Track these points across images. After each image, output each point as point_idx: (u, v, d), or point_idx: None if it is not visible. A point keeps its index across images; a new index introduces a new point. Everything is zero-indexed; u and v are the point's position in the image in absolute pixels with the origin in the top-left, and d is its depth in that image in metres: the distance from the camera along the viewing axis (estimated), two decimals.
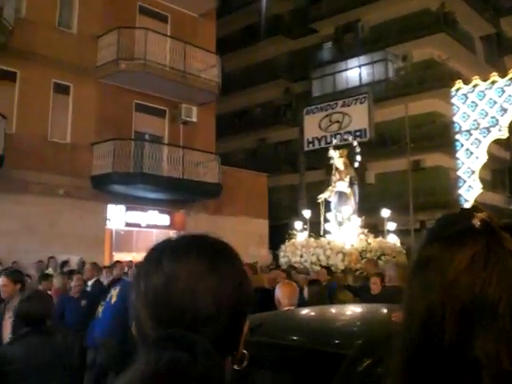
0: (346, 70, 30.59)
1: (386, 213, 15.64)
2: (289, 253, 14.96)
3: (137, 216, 19.09)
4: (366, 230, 15.25)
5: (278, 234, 24.58)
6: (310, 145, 23.04)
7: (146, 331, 1.04)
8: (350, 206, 15.08)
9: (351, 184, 15.52)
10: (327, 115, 22.70)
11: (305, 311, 4.28)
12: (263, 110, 32.76)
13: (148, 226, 19.27)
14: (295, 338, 2.92)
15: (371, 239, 14.59)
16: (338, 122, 22.27)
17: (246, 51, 32.82)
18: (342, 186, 15.36)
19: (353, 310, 4.40)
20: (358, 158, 15.94)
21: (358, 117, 21.57)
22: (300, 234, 15.30)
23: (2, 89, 16.81)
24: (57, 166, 17.16)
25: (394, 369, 0.97)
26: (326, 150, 24.52)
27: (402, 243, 15.56)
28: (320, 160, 27.19)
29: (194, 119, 20.92)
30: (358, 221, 15.06)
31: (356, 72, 30.03)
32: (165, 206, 19.60)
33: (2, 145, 15.32)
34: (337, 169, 15.71)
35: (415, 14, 28.37)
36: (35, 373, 3.96)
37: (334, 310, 4.50)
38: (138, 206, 19.02)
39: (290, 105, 31.58)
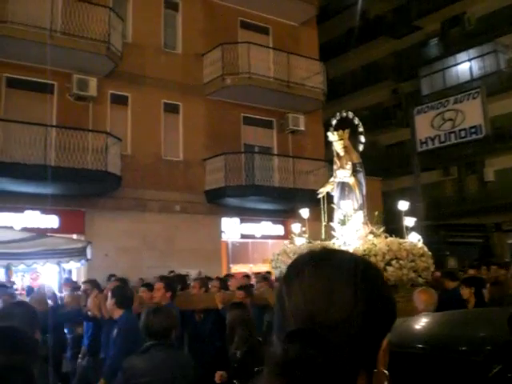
0: (455, 65, 29.43)
1: (402, 205, 12.58)
2: (281, 262, 11.81)
3: (251, 227, 19.26)
4: (378, 229, 12.00)
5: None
6: (424, 145, 22.33)
7: (288, 329, 1.09)
8: (354, 198, 11.93)
9: (355, 172, 12.18)
10: (439, 113, 21.94)
11: (433, 317, 4.13)
12: (372, 113, 32.09)
13: (263, 237, 19.38)
14: (421, 344, 2.86)
15: (379, 239, 11.29)
16: (451, 119, 21.45)
17: (349, 55, 32.41)
18: (343, 174, 12.09)
19: (478, 314, 4.20)
20: (362, 139, 12.93)
21: (472, 113, 20.65)
22: (298, 239, 12.12)
23: (115, 112, 17.60)
24: (172, 183, 17.71)
25: None
26: (441, 149, 23.86)
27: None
28: (435, 160, 26.41)
29: (302, 128, 20.89)
30: (358, 217, 11.81)
31: (466, 66, 28.80)
32: (278, 216, 19.63)
33: (119, 166, 16.00)
34: (337, 155, 12.53)
35: None
36: None
37: (460, 315, 4.29)
38: (252, 218, 19.18)
39: (399, 105, 30.80)
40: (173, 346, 4.36)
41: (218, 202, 18.26)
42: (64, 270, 11.89)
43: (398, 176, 28.49)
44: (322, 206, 11.89)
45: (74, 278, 14.15)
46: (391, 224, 23.03)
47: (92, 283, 9.41)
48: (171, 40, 19.41)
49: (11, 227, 13.22)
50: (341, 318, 1.07)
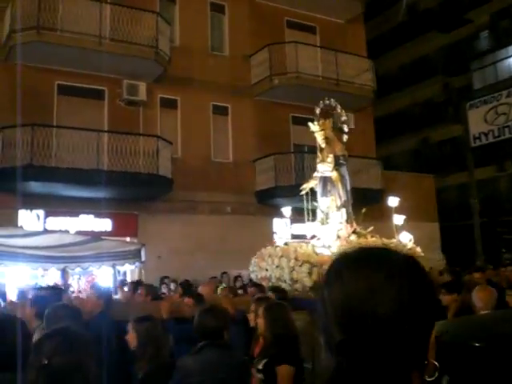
0: (507, 57, 28.68)
1: (393, 201, 11.67)
2: (255, 266, 10.77)
3: (302, 228, 19.06)
4: (363, 228, 11.02)
5: (452, 237, 23.52)
6: (477, 140, 21.89)
7: (332, 335, 1.11)
8: (337, 194, 10.77)
9: (338, 165, 10.90)
10: (492, 108, 21.49)
11: (493, 314, 4.05)
12: (423, 109, 31.56)
13: (313, 237, 19.17)
14: (481, 340, 2.89)
15: (359, 240, 10.07)
16: (505, 113, 21.01)
17: (398, 51, 32.01)
18: (323, 168, 10.85)
19: None
20: (345, 128, 11.76)
21: None
22: (280, 240, 11.06)
23: (165, 116, 17.78)
24: (222, 184, 17.74)
25: None
26: (496, 144, 23.26)
27: None
28: (489, 156, 25.76)
29: (352, 126, 20.62)
30: (340, 215, 10.65)
31: None
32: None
33: (169, 169, 16.12)
34: (320, 147, 11.25)
35: None
36: None
37: None
38: (303, 218, 19.01)
39: (451, 101, 30.19)
40: (225, 346, 4.29)
41: (268, 202, 18.19)
42: (119, 272, 12.00)
43: (453, 172, 27.91)
44: (305, 204, 11.10)
45: (129, 280, 14.29)
46: (447, 221, 22.58)
47: (148, 288, 9.56)
48: (218, 42, 19.50)
49: (67, 231, 13.43)
50: (387, 317, 1.06)
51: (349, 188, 10.90)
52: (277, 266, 9.74)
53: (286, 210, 11.46)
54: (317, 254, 9.52)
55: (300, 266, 9.27)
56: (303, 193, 10.98)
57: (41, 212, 15.22)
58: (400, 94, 31.23)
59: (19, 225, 14.27)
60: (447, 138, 29.97)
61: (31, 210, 15.05)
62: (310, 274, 9.09)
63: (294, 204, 18.29)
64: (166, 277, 14.21)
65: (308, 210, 10.99)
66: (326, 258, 9.33)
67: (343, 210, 10.68)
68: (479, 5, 29.42)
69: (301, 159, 18.29)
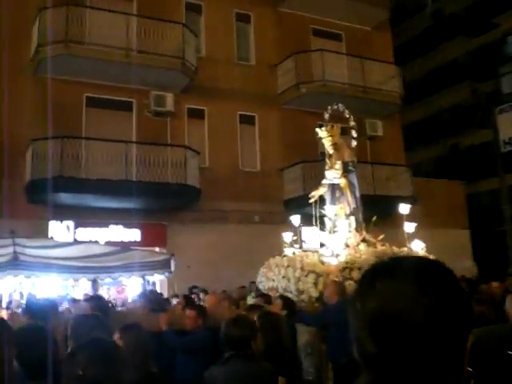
0: None
1: (404, 208, 11.33)
2: (264, 276, 10.45)
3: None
4: (372, 236, 10.51)
5: (483, 244, 23.15)
6: (507, 145, 21.47)
7: (366, 349, 1.09)
8: (346, 202, 10.46)
9: (347, 172, 10.63)
10: None
11: None
12: (451, 115, 31.23)
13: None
14: None
15: (369, 249, 9.59)
16: None
17: (425, 57, 31.75)
18: (332, 176, 10.59)
19: None
20: (354, 133, 11.56)
21: None
22: (288, 250, 10.58)
23: (192, 126, 17.84)
24: (250, 194, 17.70)
25: None
26: None
27: None
28: None
29: (380, 133, 20.50)
30: (346, 224, 10.21)
31: None
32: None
33: (197, 179, 16.14)
34: (329, 153, 11.07)
35: None
36: None
37: None
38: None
39: (479, 106, 29.77)
40: (252, 357, 4.22)
41: (297, 211, 18.05)
42: (148, 282, 12.01)
43: (483, 178, 27.50)
44: (314, 212, 10.70)
45: (158, 290, 14.30)
46: (478, 228, 22.21)
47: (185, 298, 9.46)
48: (244, 52, 19.54)
49: (96, 242, 13.51)
50: (423, 327, 1.05)
51: (358, 195, 10.54)
52: (283, 277, 9.44)
53: (295, 219, 11.15)
54: (323, 263, 9.22)
55: (306, 276, 8.95)
56: (312, 201, 10.73)
57: (71, 223, 15.33)
58: (428, 100, 30.94)
59: (49, 236, 14.39)
60: (477, 144, 29.56)
61: (61, 221, 15.17)
62: (315, 284, 8.75)
63: (323, 212, 18.26)
64: (195, 286, 14.18)
65: (316, 218, 10.74)
66: (333, 267, 9.09)
67: (352, 218, 10.36)
68: (506, 9, 29.04)
69: None
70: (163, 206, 16.12)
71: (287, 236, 10.55)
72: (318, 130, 11.07)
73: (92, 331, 3.82)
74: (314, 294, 8.74)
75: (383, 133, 20.56)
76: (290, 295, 8.69)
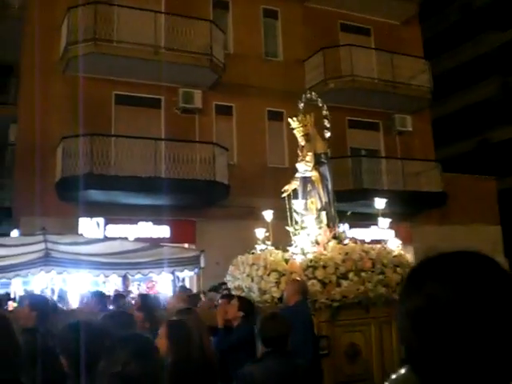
0: None
1: (379, 203, 10.59)
2: (231, 275, 9.91)
3: (362, 232, 18.80)
4: (345, 235, 9.79)
5: None
6: None
7: (414, 350, 1.06)
8: (317, 196, 9.62)
9: (318, 164, 9.82)
10: None
11: None
12: (482, 109, 30.79)
13: (373, 242, 18.85)
14: None
15: (333, 245, 8.75)
16: None
17: (455, 51, 31.33)
18: (303, 168, 9.85)
19: None
20: (327, 123, 10.59)
21: None
22: (260, 247, 9.63)
23: (221, 123, 17.84)
24: (278, 190, 17.55)
25: None
26: None
27: None
28: None
29: (410, 128, 20.27)
30: (314, 220, 9.40)
31: None
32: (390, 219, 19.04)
33: (226, 175, 16.13)
34: (301, 145, 10.31)
35: None
36: None
37: None
38: (362, 223, 18.74)
39: (510, 100, 29.32)
40: (289, 355, 4.18)
41: None
42: (178, 278, 12.03)
43: None
44: (287, 208, 9.67)
45: (187, 286, 14.33)
46: (510, 224, 21.82)
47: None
48: (272, 48, 19.48)
49: (126, 238, 13.58)
50: (477, 326, 1.01)
51: (330, 188, 9.69)
52: (247, 275, 8.79)
53: (267, 214, 10.19)
54: (287, 261, 8.52)
55: (268, 274, 8.27)
56: (284, 195, 9.85)
57: (101, 220, 15.44)
58: (458, 95, 30.54)
59: (80, 232, 14.51)
60: (508, 138, 29.12)
61: (91, 217, 15.29)
62: (277, 283, 8.06)
63: (353, 208, 18.07)
64: (223, 283, 14.12)
65: (290, 213, 9.62)
66: (296, 265, 8.29)
67: (323, 213, 9.47)
68: None
69: (358, 163, 18.07)
70: (192, 203, 16.15)
71: (259, 232, 9.56)
72: (289, 119, 10.31)
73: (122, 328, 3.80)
74: (276, 294, 8.02)
75: (413, 128, 20.33)
76: (253, 295, 8.26)
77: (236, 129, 18.09)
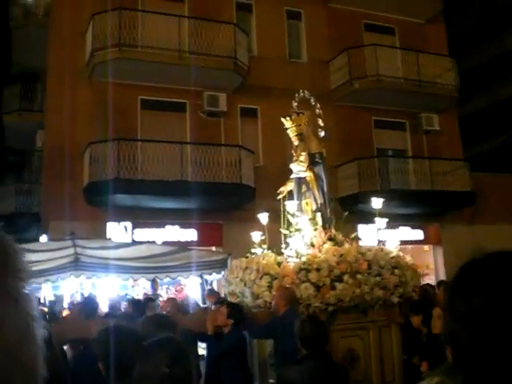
0: None
1: (376, 203, 10.35)
2: (226, 280, 9.79)
3: (389, 233, 18.59)
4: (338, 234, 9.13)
5: None
6: None
7: (466, 353, 1.02)
8: (312, 197, 9.30)
9: (313, 164, 9.50)
10: None
11: None
12: (510, 106, 30.32)
13: (402, 243, 18.65)
14: None
15: (328, 247, 8.40)
16: None
17: (481, 48, 30.92)
18: (297, 169, 9.55)
19: None
20: (321, 122, 10.36)
21: None
22: (256, 250, 9.26)
23: (246, 125, 17.83)
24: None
25: None
26: None
27: None
28: None
29: (437, 127, 20.05)
30: (307, 221, 9.09)
31: None
32: (416, 220, 18.86)
33: (252, 178, 16.10)
34: (295, 145, 10.02)
35: None
36: None
37: None
38: (389, 223, 18.53)
39: None
40: (328, 357, 4.12)
41: (352, 208, 17.83)
42: (206, 281, 12.02)
43: None
44: (281, 210, 9.43)
45: (215, 289, 14.30)
46: None
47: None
48: (296, 49, 19.44)
49: (153, 242, 13.62)
50: None
51: (326, 189, 9.38)
52: (240, 280, 8.54)
53: (263, 217, 9.82)
54: (279, 264, 8.27)
55: (260, 278, 8.02)
56: (280, 197, 9.61)
57: (128, 224, 15.50)
58: (485, 92, 30.12)
59: (108, 237, 14.59)
60: None
61: (119, 222, 15.36)
62: (269, 287, 7.83)
63: (380, 209, 17.95)
64: None
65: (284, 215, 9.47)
66: (288, 268, 8.03)
67: (319, 215, 9.18)
68: None
69: (384, 163, 17.93)
70: (219, 206, 16.14)
71: (255, 235, 9.24)
72: (282, 119, 10.06)
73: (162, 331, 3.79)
74: (269, 298, 7.77)
75: (440, 127, 20.11)
76: (246, 300, 8.13)
77: (261, 131, 18.06)
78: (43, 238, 15.43)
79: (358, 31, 20.29)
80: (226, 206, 16.31)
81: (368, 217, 18.05)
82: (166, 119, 16.93)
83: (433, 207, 18.65)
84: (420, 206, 18.40)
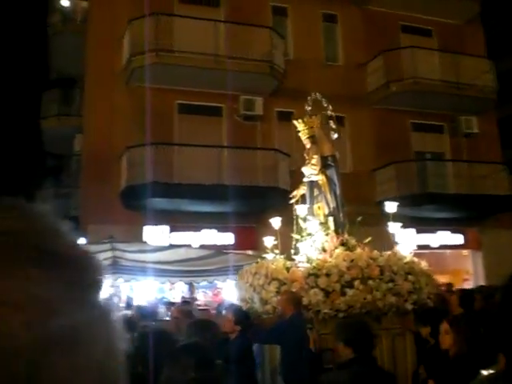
0: None
1: (390, 207, 9.90)
2: (237, 286, 9.66)
3: (427, 237, 18.37)
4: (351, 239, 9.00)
5: None
6: None
7: None
8: (325, 201, 9.08)
9: (325, 167, 9.33)
10: None
11: None
12: None
13: (441, 247, 18.42)
14: None
15: (339, 252, 8.16)
16: None
17: None
18: (309, 172, 9.44)
19: None
20: (333, 124, 10.17)
21: None
22: (269, 255, 8.91)
23: (282, 129, 17.73)
24: (342, 195, 17.38)
25: None
26: None
27: None
28: None
29: (476, 130, 19.71)
30: (318, 225, 8.81)
31: None
32: (455, 224, 18.55)
33: (288, 182, 16.00)
34: (307, 148, 9.89)
35: None
36: None
37: None
38: (428, 228, 18.30)
39: None
40: (374, 361, 4.04)
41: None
42: None
43: None
44: (294, 213, 9.19)
45: None
46: None
47: None
48: (332, 52, 19.35)
49: (190, 245, 13.65)
50: None
51: (338, 193, 9.19)
52: (250, 285, 8.38)
53: (275, 221, 9.53)
54: (288, 269, 8.08)
55: (269, 284, 7.85)
56: (293, 201, 9.45)
57: (165, 227, 15.58)
58: None
59: (145, 240, 14.67)
60: None
61: (156, 225, 15.43)
62: (278, 293, 7.65)
63: (416, 213, 17.72)
64: None
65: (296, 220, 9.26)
66: (297, 274, 7.84)
67: (331, 219, 8.99)
68: None
69: (423, 167, 17.70)
70: (255, 209, 16.10)
71: (268, 240, 9.00)
72: (294, 121, 10.03)
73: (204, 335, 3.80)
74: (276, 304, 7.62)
75: (479, 129, 19.77)
76: (255, 306, 7.99)
77: (297, 135, 17.92)
78: (81, 242, 15.58)
79: (395, 33, 20.10)
80: (262, 209, 16.25)
81: (406, 220, 17.89)
82: (202, 123, 16.99)
83: (472, 211, 18.32)
84: (459, 211, 18.10)
